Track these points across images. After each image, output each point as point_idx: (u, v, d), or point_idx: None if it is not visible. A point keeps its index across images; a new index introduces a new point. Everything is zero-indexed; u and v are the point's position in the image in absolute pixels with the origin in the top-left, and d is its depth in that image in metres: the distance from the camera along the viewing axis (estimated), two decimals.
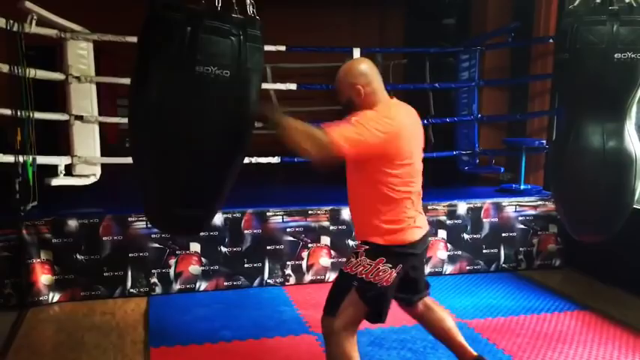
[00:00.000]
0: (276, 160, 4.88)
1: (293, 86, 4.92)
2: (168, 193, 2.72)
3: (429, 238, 2.85)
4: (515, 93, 6.17)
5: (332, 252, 4.59)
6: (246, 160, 4.65)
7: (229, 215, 4.36)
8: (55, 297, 4.12)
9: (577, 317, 3.98)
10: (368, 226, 2.58)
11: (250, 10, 2.58)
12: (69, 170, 4.53)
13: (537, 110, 5.63)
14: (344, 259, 4.56)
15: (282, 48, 4.78)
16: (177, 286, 4.32)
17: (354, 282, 2.55)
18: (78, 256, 4.14)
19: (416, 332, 3.64)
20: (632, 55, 2.91)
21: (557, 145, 3.31)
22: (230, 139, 2.66)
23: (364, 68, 2.52)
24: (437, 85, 5.10)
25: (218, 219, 4.33)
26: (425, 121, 5.89)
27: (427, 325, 2.95)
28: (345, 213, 4.58)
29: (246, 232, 4.40)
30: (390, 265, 2.53)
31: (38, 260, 4.06)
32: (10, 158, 4.09)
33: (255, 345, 3.51)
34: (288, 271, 4.52)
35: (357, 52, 4.91)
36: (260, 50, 2.59)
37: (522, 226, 5.02)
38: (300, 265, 4.54)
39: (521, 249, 5.04)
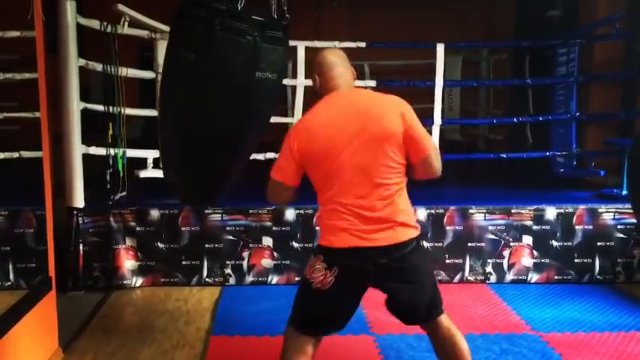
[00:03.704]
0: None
1: (372, 83, 4.85)
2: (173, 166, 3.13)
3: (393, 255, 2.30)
4: (629, 90, 5.64)
5: None
6: None
7: (301, 211, 4.39)
8: (138, 281, 4.39)
9: None
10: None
11: (274, 10, 2.62)
12: (157, 163, 4.79)
13: None
14: None
15: (363, 44, 4.72)
16: (250, 278, 4.43)
17: (301, 279, 2.47)
18: (159, 245, 4.38)
19: (482, 341, 3.46)
20: None
21: (635, 148, 2.97)
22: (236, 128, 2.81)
23: (323, 57, 2.42)
24: (529, 80, 4.77)
25: (290, 214, 4.38)
26: (520, 120, 5.57)
27: (438, 349, 2.50)
28: (420, 213, 4.45)
29: (317, 228, 4.39)
30: (325, 266, 2.30)
31: (123, 246, 4.35)
32: (102, 151, 4.41)
33: None
34: None
35: (440, 48, 4.74)
36: (277, 51, 2.67)
37: (621, 235, 4.58)
38: None
39: (619, 260, 4.60)
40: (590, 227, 4.56)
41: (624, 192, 4.80)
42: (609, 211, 4.58)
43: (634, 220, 4.56)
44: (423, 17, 8.32)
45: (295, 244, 4.42)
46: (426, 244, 4.46)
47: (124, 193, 4.51)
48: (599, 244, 4.58)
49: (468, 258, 4.51)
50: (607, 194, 4.88)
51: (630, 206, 4.36)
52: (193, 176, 2.96)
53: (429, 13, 8.37)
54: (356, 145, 2.26)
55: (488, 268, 4.52)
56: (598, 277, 4.60)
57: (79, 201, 4.25)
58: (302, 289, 2.44)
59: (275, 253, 4.42)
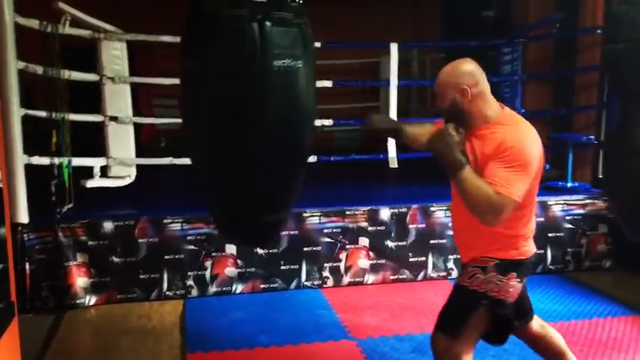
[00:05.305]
0: (312, 159, 4.74)
1: (328, 83, 4.78)
2: (242, 198, 2.52)
3: None
4: (560, 87, 5.92)
5: (370, 254, 4.45)
6: None
7: None
8: (92, 300, 4.09)
9: (632, 323, 3.76)
10: (493, 241, 2.28)
11: None
12: (104, 172, 4.50)
13: (583, 104, 5.39)
14: (383, 261, 4.48)
15: (317, 44, 4.63)
16: (213, 289, 4.24)
17: (483, 301, 2.27)
18: (114, 259, 4.09)
19: None
20: None
21: (612, 144, 3.10)
22: (301, 134, 2.51)
23: (470, 68, 2.24)
24: None
25: None
26: None
27: (541, 345, 2.69)
28: (384, 213, 4.45)
29: (282, 233, 4.29)
30: (519, 280, 2.32)
31: (74, 263, 4.04)
32: (45, 161, 4.07)
33: (294, 351, 3.41)
34: (326, 273, 4.40)
35: (394, 48, 4.76)
36: (313, 37, 2.46)
37: (570, 226, 4.80)
38: (338, 267, 4.41)
39: (569, 250, 4.82)
40: (542, 219, 4.73)
41: (569, 184, 5.04)
42: (558, 203, 4.78)
43: (581, 211, 4.80)
44: (351, 17, 8.37)
45: (259, 251, 4.28)
46: (390, 243, 4.48)
47: (70, 205, 4.19)
48: (550, 235, 4.77)
49: (430, 256, 4.55)
50: (553, 187, 5.09)
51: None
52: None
53: (358, 11, 8.45)
54: None
55: (450, 264, 4.59)
56: (550, 267, 4.79)
57: (22, 216, 3.90)
58: (497, 312, 2.29)
59: (239, 261, 4.26)
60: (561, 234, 4.79)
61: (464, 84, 2.20)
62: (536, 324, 2.65)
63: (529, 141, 2.17)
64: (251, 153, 2.37)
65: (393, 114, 4.96)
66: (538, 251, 4.62)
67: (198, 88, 2.44)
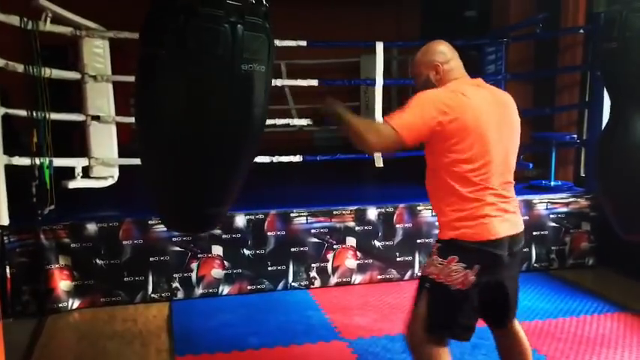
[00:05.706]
0: (297, 158, 4.71)
1: (314, 82, 4.74)
2: (187, 192, 2.58)
3: (521, 244, 2.36)
4: (541, 86, 5.98)
5: (358, 253, 4.43)
6: (268, 160, 4.53)
7: (252, 217, 4.21)
8: (75, 303, 3.99)
9: (618, 319, 3.81)
10: (440, 219, 2.31)
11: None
12: (86, 172, 4.40)
13: (565, 104, 5.44)
14: (370, 261, 4.47)
15: (303, 43, 4.61)
16: (199, 291, 4.18)
17: (426, 284, 2.27)
18: (97, 261, 4.00)
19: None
20: None
21: (604, 141, 3.12)
22: (253, 134, 2.57)
23: (443, 48, 2.38)
24: None
25: (240, 221, 4.18)
26: None
27: (506, 351, 2.55)
28: (371, 213, 4.43)
29: (269, 233, 4.25)
30: (464, 265, 2.18)
31: (57, 266, 3.93)
32: (26, 161, 3.96)
33: (285, 352, 3.37)
34: (313, 273, 4.37)
35: (380, 47, 4.74)
36: (259, 39, 2.44)
37: (554, 224, 4.84)
38: (326, 267, 4.38)
39: (553, 248, 4.86)
40: (526, 218, 4.75)
41: (552, 183, 5.08)
42: (542, 202, 4.82)
43: (565, 209, 4.85)
44: (331, 17, 8.35)
45: (246, 252, 4.22)
46: (377, 243, 4.46)
47: (52, 207, 4.08)
48: (534, 233, 4.80)
49: (417, 255, 4.54)
50: (536, 185, 5.13)
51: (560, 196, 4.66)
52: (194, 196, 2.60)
53: (338, 11, 8.44)
54: (503, 133, 2.30)
55: None
56: (535, 265, 4.83)
57: (3, 218, 3.78)
58: (434, 297, 2.25)
59: (225, 262, 4.20)
60: (545, 232, 4.83)
61: (436, 61, 2.36)
62: (512, 330, 2.51)
63: (433, 92, 2.27)
64: (203, 149, 2.42)
65: (379, 113, 4.94)
66: (524, 250, 4.74)
67: (157, 80, 2.41)
